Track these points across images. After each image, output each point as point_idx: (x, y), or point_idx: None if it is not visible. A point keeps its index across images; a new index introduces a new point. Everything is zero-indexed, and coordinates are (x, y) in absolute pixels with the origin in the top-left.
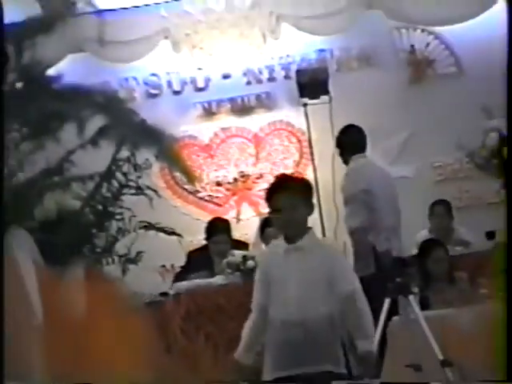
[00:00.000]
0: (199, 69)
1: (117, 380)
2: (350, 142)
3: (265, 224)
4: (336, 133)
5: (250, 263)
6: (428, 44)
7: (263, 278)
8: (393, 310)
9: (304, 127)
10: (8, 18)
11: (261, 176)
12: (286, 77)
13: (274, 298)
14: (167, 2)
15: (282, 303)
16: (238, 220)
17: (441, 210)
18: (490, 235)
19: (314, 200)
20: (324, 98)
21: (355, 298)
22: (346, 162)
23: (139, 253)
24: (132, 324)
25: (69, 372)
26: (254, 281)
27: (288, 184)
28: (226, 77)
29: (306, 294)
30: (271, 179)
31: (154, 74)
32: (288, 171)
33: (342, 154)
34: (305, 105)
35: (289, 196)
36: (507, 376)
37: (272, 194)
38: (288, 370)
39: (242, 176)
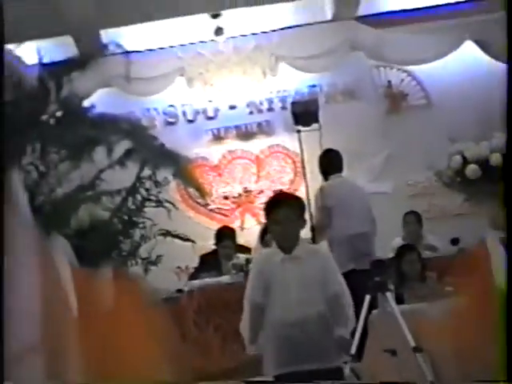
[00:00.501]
0: (209, 101)
1: (138, 365)
2: (329, 163)
3: (264, 231)
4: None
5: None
6: (402, 80)
7: (260, 278)
8: (373, 305)
9: (298, 150)
10: (49, 58)
11: (261, 191)
12: (283, 108)
13: (275, 301)
14: (183, 45)
15: (283, 306)
16: (242, 228)
17: (412, 219)
18: (454, 242)
19: (306, 215)
20: (315, 125)
21: (340, 295)
22: (326, 179)
23: (159, 256)
24: (152, 316)
25: (100, 357)
26: (248, 279)
27: (286, 201)
28: (232, 107)
29: (305, 297)
30: (270, 194)
31: (171, 106)
32: (284, 187)
33: (323, 173)
34: (298, 131)
35: (286, 212)
36: (507, 376)
37: (272, 208)
38: (289, 367)
39: (246, 191)
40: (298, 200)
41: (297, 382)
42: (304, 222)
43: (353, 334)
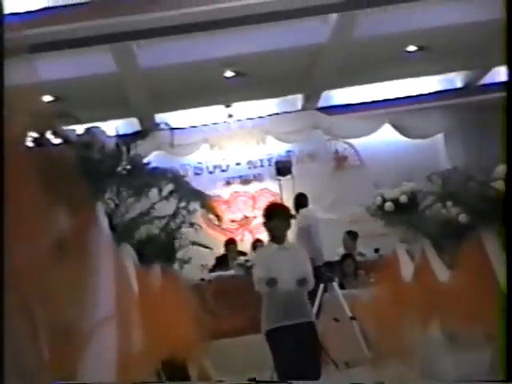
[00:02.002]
0: (223, 159)
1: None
2: (299, 201)
3: (255, 243)
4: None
5: (248, 264)
6: (345, 148)
7: (263, 264)
8: (325, 290)
9: (278, 192)
10: (123, 131)
11: (255, 217)
12: (269, 165)
13: (275, 277)
14: (206, 125)
15: (282, 281)
16: (242, 240)
17: (350, 236)
18: (376, 250)
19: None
20: (289, 176)
21: (310, 274)
22: (297, 211)
23: (189, 258)
24: (185, 296)
25: (153, 323)
26: (254, 270)
27: (282, 211)
28: (237, 164)
29: (294, 274)
30: (261, 219)
31: (199, 163)
32: None
33: (295, 208)
34: (279, 180)
35: (281, 218)
36: (507, 376)
37: (271, 213)
38: (281, 322)
39: (245, 217)
40: (287, 210)
41: (283, 333)
42: (290, 225)
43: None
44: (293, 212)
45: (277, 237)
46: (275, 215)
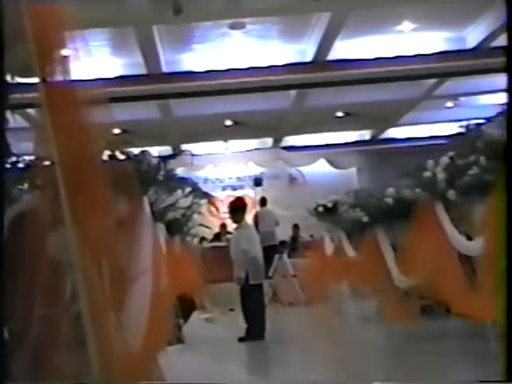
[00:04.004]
0: (221, 175)
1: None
2: (262, 202)
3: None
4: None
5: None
6: (295, 173)
7: (235, 239)
8: (279, 258)
9: (254, 196)
10: (162, 154)
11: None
12: (249, 180)
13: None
14: (211, 153)
15: (250, 250)
16: (229, 224)
17: (295, 226)
18: (311, 236)
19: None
20: (261, 188)
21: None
22: (261, 208)
23: (197, 234)
24: (194, 257)
25: (173, 273)
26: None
27: (240, 204)
28: (230, 178)
29: (251, 244)
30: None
31: (206, 176)
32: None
33: (260, 205)
34: (255, 189)
35: (241, 209)
36: (507, 376)
37: (233, 206)
38: (257, 280)
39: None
40: (244, 203)
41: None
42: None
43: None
44: (257, 208)
45: (239, 222)
46: (237, 208)
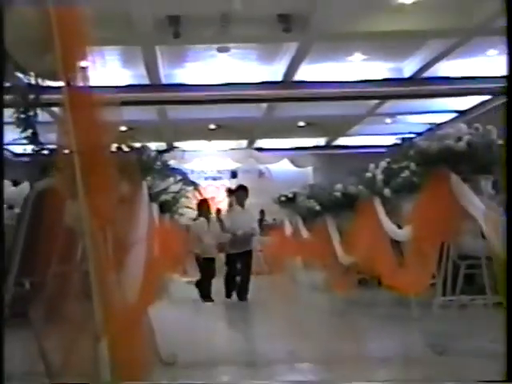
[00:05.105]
0: (205, 168)
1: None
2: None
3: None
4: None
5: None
6: (264, 169)
7: (229, 218)
8: None
9: (229, 186)
10: (159, 148)
11: (218, 197)
12: (227, 172)
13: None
14: (198, 150)
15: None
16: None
17: (262, 212)
18: (274, 219)
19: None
20: (236, 179)
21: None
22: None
23: (183, 214)
24: (181, 232)
25: (162, 244)
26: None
27: (243, 187)
28: (211, 171)
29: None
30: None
31: (193, 168)
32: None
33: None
34: (230, 180)
35: (243, 191)
36: (507, 376)
37: (237, 189)
38: (237, 250)
39: (212, 197)
40: (246, 188)
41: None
42: (247, 196)
43: None
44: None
45: (240, 203)
46: (240, 191)
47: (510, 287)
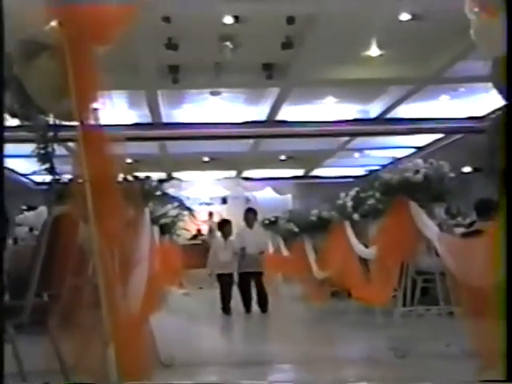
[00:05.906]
0: (199, 195)
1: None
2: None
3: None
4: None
5: (205, 239)
6: (250, 196)
7: (238, 237)
8: None
9: (220, 211)
10: (159, 177)
11: (210, 220)
12: (218, 199)
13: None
14: (193, 180)
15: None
16: (203, 229)
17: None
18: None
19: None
20: (226, 205)
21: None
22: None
23: (180, 234)
24: (178, 250)
25: (163, 259)
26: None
27: (252, 211)
28: (205, 198)
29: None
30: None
31: (188, 196)
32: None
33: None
34: (221, 205)
35: (252, 214)
36: (507, 376)
37: (247, 212)
38: (246, 269)
39: (205, 220)
40: (255, 211)
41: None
42: (256, 218)
43: None
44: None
45: (249, 225)
46: (249, 213)
47: (510, 289)
